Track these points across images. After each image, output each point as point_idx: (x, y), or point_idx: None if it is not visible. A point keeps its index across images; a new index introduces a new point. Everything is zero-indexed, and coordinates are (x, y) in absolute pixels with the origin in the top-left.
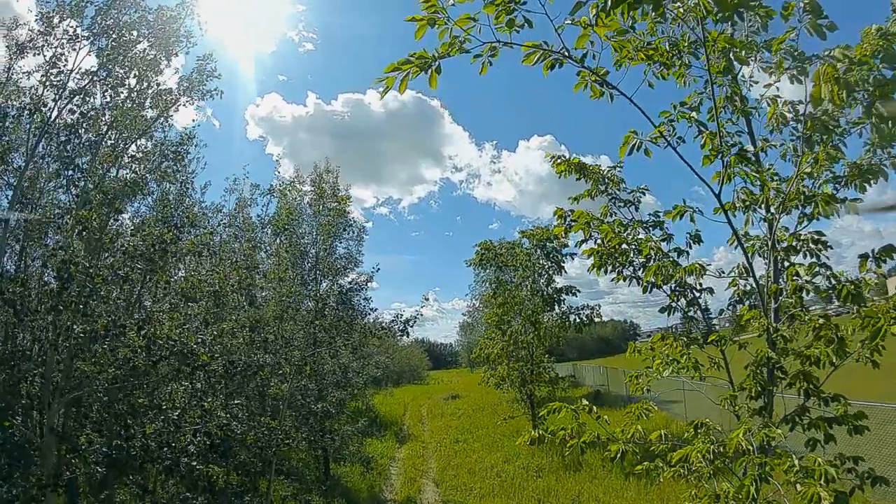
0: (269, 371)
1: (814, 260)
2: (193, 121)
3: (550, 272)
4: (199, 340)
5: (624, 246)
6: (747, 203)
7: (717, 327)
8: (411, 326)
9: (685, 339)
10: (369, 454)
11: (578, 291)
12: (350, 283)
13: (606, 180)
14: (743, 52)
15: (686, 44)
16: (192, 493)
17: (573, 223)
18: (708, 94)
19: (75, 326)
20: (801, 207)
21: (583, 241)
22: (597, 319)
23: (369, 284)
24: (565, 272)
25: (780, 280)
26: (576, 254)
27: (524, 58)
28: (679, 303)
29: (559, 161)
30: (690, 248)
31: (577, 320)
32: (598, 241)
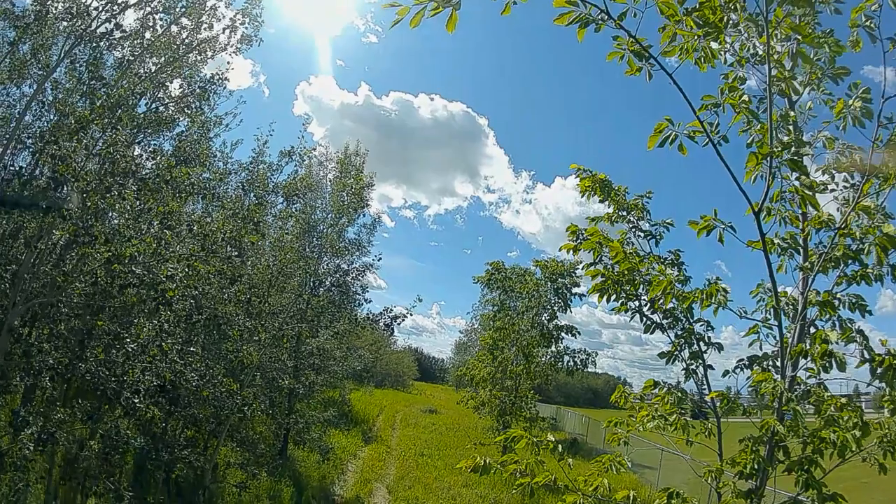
0: (247, 335)
1: (847, 326)
2: (228, 63)
3: (555, 308)
4: (170, 275)
5: (635, 275)
6: (786, 244)
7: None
8: (398, 324)
9: (679, 393)
10: (330, 444)
11: (578, 333)
12: (349, 266)
13: (630, 207)
14: (812, 53)
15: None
16: (132, 432)
17: (585, 240)
18: (763, 113)
19: (55, 231)
20: (843, 265)
21: (591, 264)
22: (590, 367)
23: (370, 274)
24: (570, 312)
25: (805, 343)
26: (585, 295)
27: (557, 17)
28: (682, 353)
29: (584, 175)
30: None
31: (571, 363)
32: (607, 266)
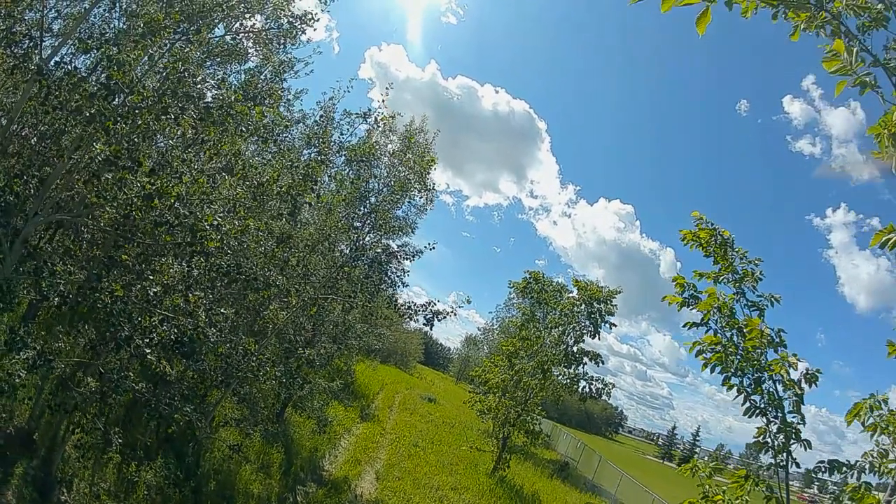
0: (276, 293)
1: None
2: (325, 2)
3: (584, 332)
4: (216, 224)
5: (758, 354)
6: None
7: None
8: (439, 320)
9: (765, 489)
10: (330, 417)
11: (603, 362)
12: (400, 246)
13: (745, 275)
14: None
15: None
16: (135, 375)
17: (697, 299)
18: None
19: (96, 145)
20: None
21: (696, 325)
22: (605, 398)
23: (415, 258)
24: (599, 339)
25: None
26: (615, 325)
27: (825, 59)
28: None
29: (704, 226)
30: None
31: (587, 389)
32: (717, 332)
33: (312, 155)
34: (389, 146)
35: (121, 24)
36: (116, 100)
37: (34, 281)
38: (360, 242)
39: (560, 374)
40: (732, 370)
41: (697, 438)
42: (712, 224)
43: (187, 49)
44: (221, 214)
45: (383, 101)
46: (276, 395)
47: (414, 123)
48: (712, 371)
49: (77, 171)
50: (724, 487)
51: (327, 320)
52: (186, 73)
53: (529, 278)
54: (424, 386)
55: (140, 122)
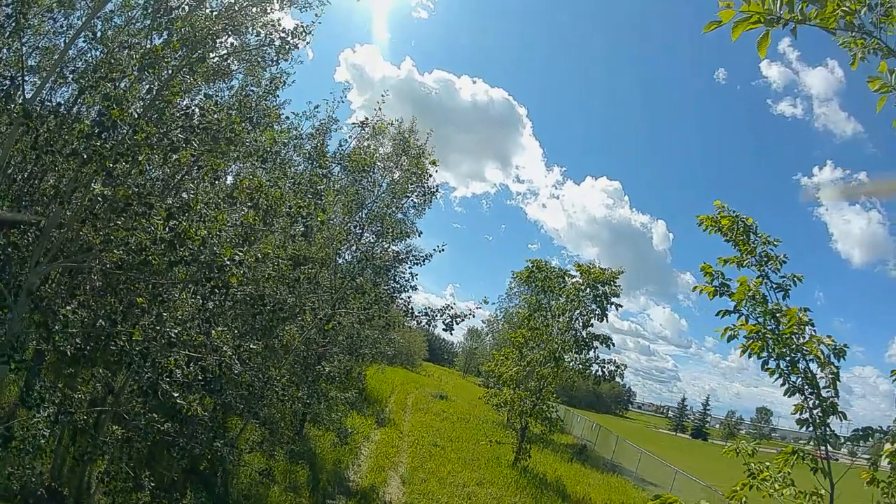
0: (289, 313)
1: None
2: (317, 15)
3: (591, 315)
4: (236, 259)
5: (795, 338)
6: None
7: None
8: (458, 324)
9: (811, 462)
10: (348, 427)
11: (613, 344)
12: (407, 251)
13: (767, 258)
14: None
15: None
16: (159, 414)
17: (727, 287)
18: None
19: (95, 186)
20: None
21: (729, 312)
22: (619, 379)
23: (424, 262)
24: (607, 321)
25: None
26: (622, 306)
27: (869, 79)
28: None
29: (725, 214)
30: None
31: (600, 372)
32: (752, 318)
33: (313, 169)
34: (381, 149)
35: (99, 53)
36: (114, 138)
37: (46, 333)
38: (369, 252)
39: (572, 361)
40: (769, 354)
41: (708, 407)
42: (734, 212)
43: (189, 79)
44: (241, 249)
45: (379, 107)
46: (293, 413)
47: (403, 124)
48: (750, 356)
49: (77, 213)
50: (767, 463)
51: (340, 331)
52: (194, 105)
53: (532, 267)
54: (434, 383)
55: (141, 159)
